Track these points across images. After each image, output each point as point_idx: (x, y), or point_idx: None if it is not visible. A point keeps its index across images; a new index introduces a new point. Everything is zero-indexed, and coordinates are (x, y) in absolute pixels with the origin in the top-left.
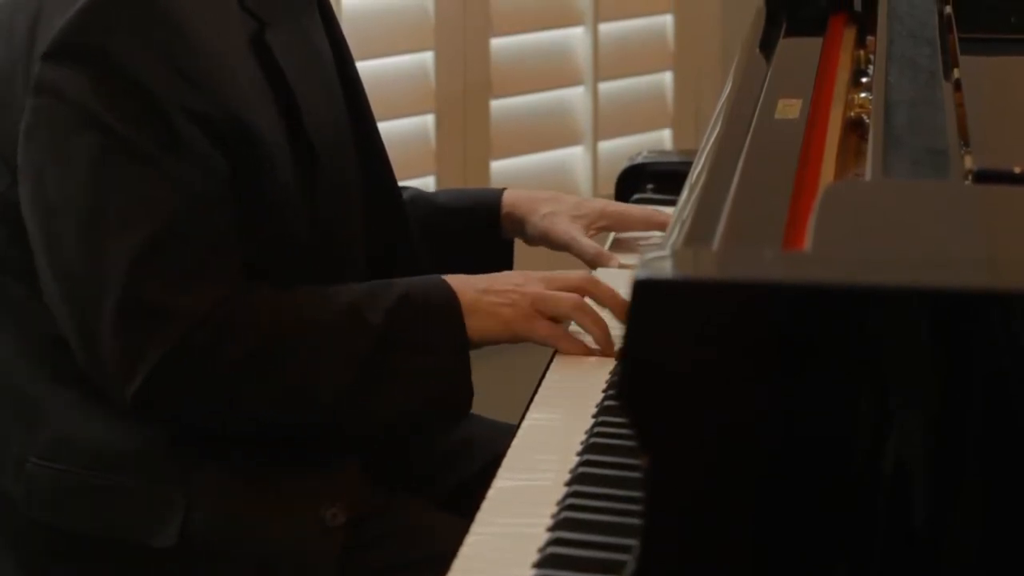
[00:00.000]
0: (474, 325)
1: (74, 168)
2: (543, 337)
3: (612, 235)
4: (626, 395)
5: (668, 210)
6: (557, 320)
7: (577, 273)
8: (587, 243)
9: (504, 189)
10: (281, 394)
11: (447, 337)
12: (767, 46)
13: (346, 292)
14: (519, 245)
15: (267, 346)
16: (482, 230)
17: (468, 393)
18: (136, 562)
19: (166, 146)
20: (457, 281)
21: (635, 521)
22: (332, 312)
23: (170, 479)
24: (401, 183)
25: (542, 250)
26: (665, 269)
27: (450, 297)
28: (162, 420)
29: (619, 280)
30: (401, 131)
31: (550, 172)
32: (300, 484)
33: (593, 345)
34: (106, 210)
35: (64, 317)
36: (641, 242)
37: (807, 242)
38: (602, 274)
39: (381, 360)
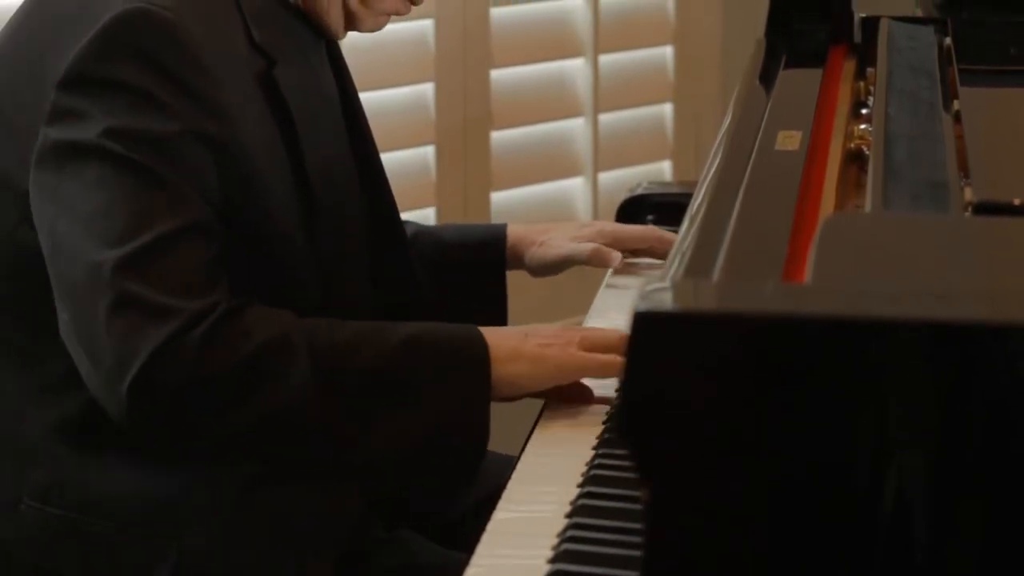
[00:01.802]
0: (520, 371)
1: (84, 184)
2: (598, 369)
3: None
4: (626, 427)
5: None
6: None
7: (615, 332)
8: (583, 245)
9: (506, 225)
10: (268, 412)
11: (468, 379)
12: (767, 78)
13: (359, 323)
14: (516, 279)
15: (256, 358)
16: (489, 266)
17: (482, 442)
18: None
19: (173, 169)
20: (493, 330)
21: (636, 553)
22: (336, 334)
23: (162, 531)
24: (402, 216)
25: (538, 281)
26: (665, 301)
27: (477, 340)
28: (153, 428)
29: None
30: (401, 163)
31: (550, 203)
32: (289, 536)
33: None
34: (107, 222)
35: (67, 327)
36: (642, 268)
37: (807, 274)
38: (615, 292)
39: (388, 390)
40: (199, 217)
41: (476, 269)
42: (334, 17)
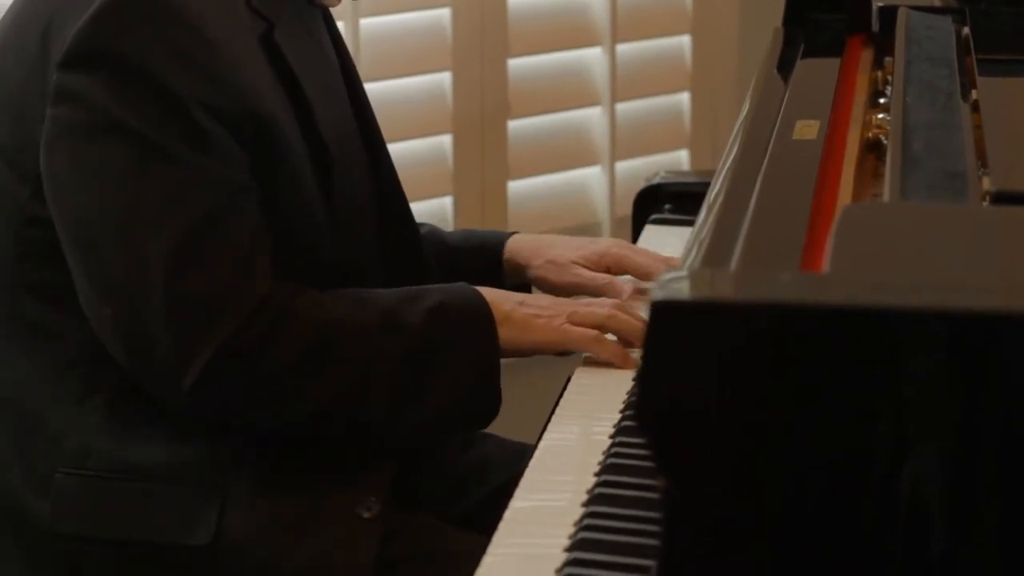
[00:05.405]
0: (508, 335)
1: (104, 174)
2: (577, 342)
3: None
4: (643, 416)
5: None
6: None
7: (604, 304)
8: (594, 276)
9: (513, 233)
10: (329, 397)
11: (480, 345)
12: (785, 67)
13: (383, 296)
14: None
15: (313, 349)
16: (484, 273)
17: (496, 401)
18: (166, 565)
19: (192, 143)
20: (491, 293)
21: (653, 542)
22: (373, 316)
23: (204, 482)
24: (415, 209)
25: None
26: (683, 290)
27: (483, 306)
28: (216, 419)
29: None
30: (419, 152)
31: (567, 193)
32: (335, 482)
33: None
34: (142, 211)
35: (106, 322)
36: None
37: (825, 264)
38: None
39: (418, 365)
40: (232, 188)
41: (471, 276)
42: None
